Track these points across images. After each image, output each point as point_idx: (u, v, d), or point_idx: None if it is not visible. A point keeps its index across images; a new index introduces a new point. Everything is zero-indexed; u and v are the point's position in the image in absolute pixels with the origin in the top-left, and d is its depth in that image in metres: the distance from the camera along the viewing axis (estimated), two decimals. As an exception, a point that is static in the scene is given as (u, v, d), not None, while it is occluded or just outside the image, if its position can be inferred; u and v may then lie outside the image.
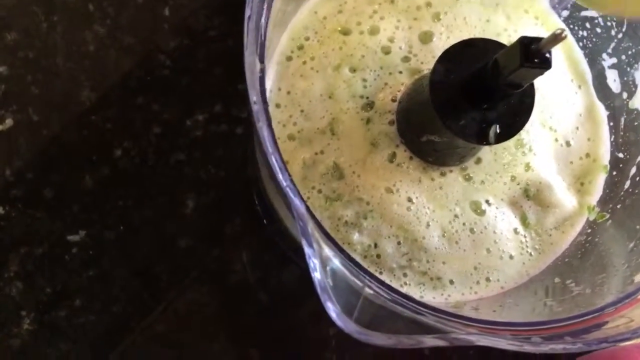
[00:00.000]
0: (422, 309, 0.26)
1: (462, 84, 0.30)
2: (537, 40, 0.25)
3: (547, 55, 0.25)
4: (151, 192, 0.43)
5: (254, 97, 0.23)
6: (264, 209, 0.42)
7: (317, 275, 0.22)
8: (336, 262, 0.23)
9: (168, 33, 0.44)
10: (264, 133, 0.23)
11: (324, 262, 0.23)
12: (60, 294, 0.41)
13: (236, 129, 0.44)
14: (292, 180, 0.23)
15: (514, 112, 0.31)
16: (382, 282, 0.26)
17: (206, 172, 0.43)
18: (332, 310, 0.22)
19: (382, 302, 0.24)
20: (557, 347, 0.22)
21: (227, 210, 0.43)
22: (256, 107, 0.22)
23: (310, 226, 0.23)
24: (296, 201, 0.22)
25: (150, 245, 0.42)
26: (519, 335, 0.24)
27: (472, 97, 0.30)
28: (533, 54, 0.25)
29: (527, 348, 0.22)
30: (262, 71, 0.24)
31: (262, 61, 0.24)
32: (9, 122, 0.42)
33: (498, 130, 0.31)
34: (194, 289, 0.41)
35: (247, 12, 0.23)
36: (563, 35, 0.23)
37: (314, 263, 0.22)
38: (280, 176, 0.22)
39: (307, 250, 0.23)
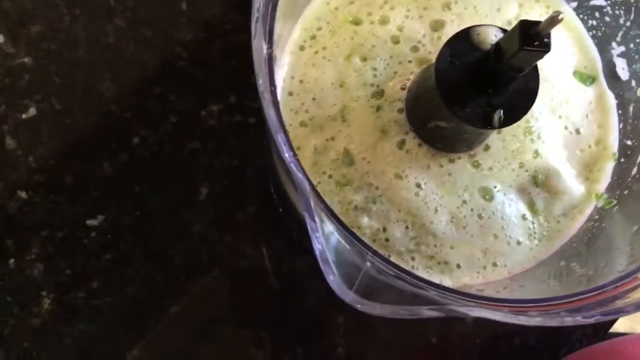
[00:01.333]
0: (423, 284, 0.27)
1: (467, 70, 0.31)
2: (536, 23, 0.26)
3: (546, 38, 0.26)
4: (166, 179, 0.44)
5: (260, 79, 0.24)
6: (279, 197, 0.43)
7: (318, 246, 0.23)
8: (337, 236, 0.24)
9: (185, 26, 0.45)
10: (270, 112, 0.24)
11: (325, 235, 0.24)
12: (79, 276, 0.42)
13: (249, 119, 0.45)
14: (295, 156, 0.24)
15: (518, 97, 0.32)
16: (382, 257, 0.26)
17: (220, 161, 0.44)
18: (332, 281, 0.23)
19: (380, 275, 0.25)
20: (552, 322, 0.23)
21: (240, 198, 0.44)
22: (262, 87, 0.23)
23: (313, 200, 0.23)
24: (299, 175, 0.23)
25: (165, 231, 0.43)
26: (516, 310, 0.25)
27: (476, 82, 0.31)
28: (532, 37, 0.26)
29: (522, 319, 0.23)
30: (269, 54, 0.25)
31: (270, 47, 0.25)
32: (32, 110, 0.44)
33: (502, 115, 0.31)
34: (206, 273, 0.43)
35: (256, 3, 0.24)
36: (560, 17, 0.24)
37: (315, 236, 0.23)
38: (285, 154, 0.23)
39: (309, 223, 0.23)
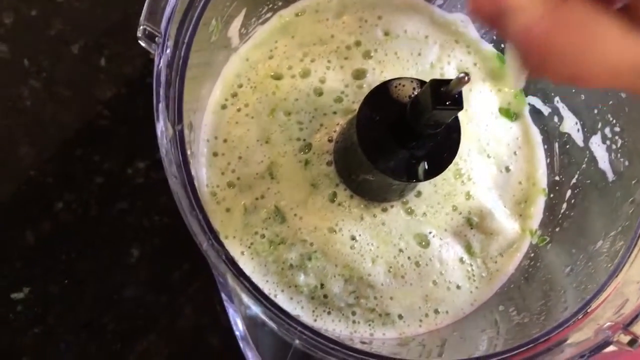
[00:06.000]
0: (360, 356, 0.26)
1: (388, 125, 0.31)
2: (446, 82, 0.25)
3: (457, 96, 0.26)
4: (95, 243, 0.42)
5: (172, 169, 0.23)
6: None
7: (239, 327, 0.22)
8: (264, 317, 0.23)
9: (105, 83, 0.44)
10: (182, 203, 0.23)
11: (249, 318, 0.23)
12: (6, 355, 0.40)
13: (180, 174, 0.43)
14: (212, 243, 0.23)
15: (441, 148, 0.32)
16: (313, 331, 0.25)
17: (150, 219, 0.42)
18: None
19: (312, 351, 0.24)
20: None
21: (174, 256, 0.42)
22: (173, 181, 0.22)
23: (231, 281, 0.22)
24: (218, 266, 0.22)
25: (96, 297, 0.41)
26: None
27: (398, 136, 0.31)
28: (444, 96, 0.26)
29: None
30: (180, 137, 0.24)
31: (179, 129, 0.24)
32: (-56, 182, 0.41)
33: (426, 167, 0.31)
34: (143, 338, 0.41)
35: (156, 86, 0.23)
36: (466, 79, 0.24)
37: (235, 321, 0.22)
38: (197, 239, 0.22)
39: (229, 308, 0.22)
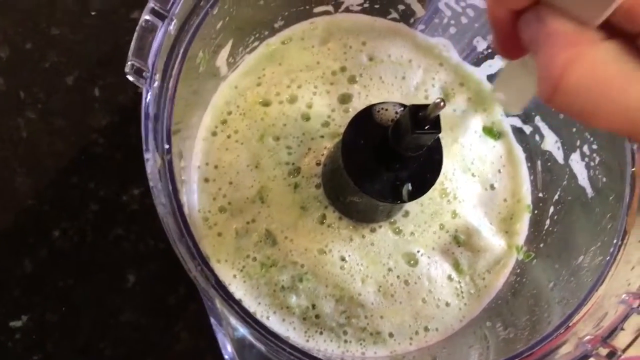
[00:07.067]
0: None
1: (372, 148, 0.32)
2: (423, 108, 0.26)
3: (435, 120, 0.27)
4: (91, 269, 0.43)
5: (161, 198, 0.23)
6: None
7: (228, 349, 0.23)
8: (250, 337, 0.24)
9: (99, 112, 0.45)
10: (171, 231, 0.24)
11: (232, 337, 0.24)
12: (4, 384, 0.40)
13: (173, 200, 0.44)
14: (201, 268, 0.23)
15: (424, 170, 0.32)
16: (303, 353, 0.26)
17: (145, 244, 0.43)
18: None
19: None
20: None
21: (170, 280, 0.43)
22: (162, 210, 0.23)
23: (219, 304, 0.23)
24: (206, 289, 0.23)
25: (93, 323, 0.42)
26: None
27: (382, 159, 0.32)
28: (422, 121, 0.27)
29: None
30: (170, 167, 0.25)
31: (167, 159, 0.25)
32: (-57, 214, 0.42)
33: (410, 188, 0.32)
34: (141, 364, 0.41)
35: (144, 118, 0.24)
36: (442, 104, 0.25)
37: (223, 343, 0.23)
38: (185, 266, 0.23)
39: (216, 330, 0.23)
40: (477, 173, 0.40)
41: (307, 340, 0.36)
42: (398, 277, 0.38)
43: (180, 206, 0.26)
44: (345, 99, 0.39)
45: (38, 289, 0.42)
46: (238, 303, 0.26)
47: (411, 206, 0.39)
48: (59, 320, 0.42)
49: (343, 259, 0.37)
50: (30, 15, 0.46)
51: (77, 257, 0.43)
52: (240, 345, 0.24)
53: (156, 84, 0.25)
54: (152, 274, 0.43)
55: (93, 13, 0.46)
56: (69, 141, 0.44)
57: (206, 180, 0.37)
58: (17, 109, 0.44)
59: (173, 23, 0.26)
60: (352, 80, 0.39)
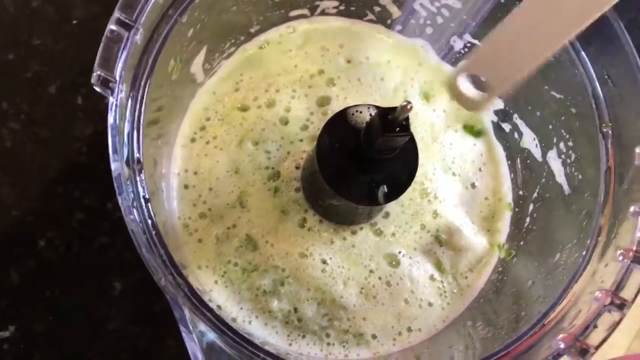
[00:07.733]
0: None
1: (346, 151, 0.32)
2: (392, 110, 0.27)
3: (405, 122, 0.27)
4: (78, 278, 0.43)
5: (129, 208, 0.24)
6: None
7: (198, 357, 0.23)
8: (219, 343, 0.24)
9: (82, 121, 0.45)
10: (138, 241, 0.24)
11: (201, 343, 0.24)
12: (-7, 394, 0.41)
13: (158, 207, 0.44)
14: (170, 275, 0.24)
15: (400, 171, 0.33)
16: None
17: (131, 252, 0.43)
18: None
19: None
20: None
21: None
22: (130, 219, 0.23)
23: (188, 312, 0.23)
24: (175, 299, 0.23)
25: (81, 332, 0.42)
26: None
27: (357, 162, 0.32)
28: (391, 124, 0.27)
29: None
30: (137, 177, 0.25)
31: (138, 168, 0.25)
32: None
33: (386, 190, 0.32)
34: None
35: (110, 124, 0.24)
36: (409, 107, 0.25)
37: (193, 352, 0.23)
38: (155, 277, 0.23)
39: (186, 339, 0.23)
40: (458, 172, 0.40)
41: (290, 344, 0.36)
42: (380, 278, 0.38)
43: (151, 215, 0.26)
44: (323, 101, 0.39)
45: (25, 299, 0.42)
46: (212, 310, 0.26)
47: (392, 207, 0.39)
48: (47, 330, 0.42)
49: (324, 262, 0.37)
50: (11, 25, 0.46)
51: (64, 267, 0.43)
52: (210, 349, 0.24)
53: (122, 94, 0.25)
54: (138, 282, 0.43)
55: (74, 22, 0.46)
56: (53, 151, 0.44)
57: (186, 186, 0.38)
58: (0, 120, 0.44)
59: (139, 32, 0.27)
60: (330, 82, 0.40)
